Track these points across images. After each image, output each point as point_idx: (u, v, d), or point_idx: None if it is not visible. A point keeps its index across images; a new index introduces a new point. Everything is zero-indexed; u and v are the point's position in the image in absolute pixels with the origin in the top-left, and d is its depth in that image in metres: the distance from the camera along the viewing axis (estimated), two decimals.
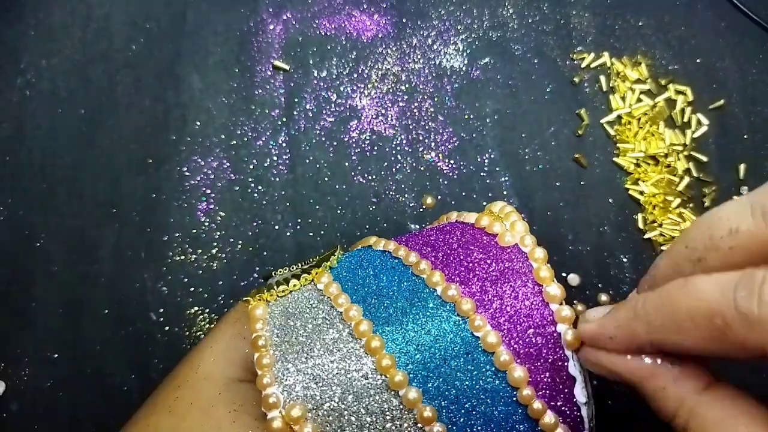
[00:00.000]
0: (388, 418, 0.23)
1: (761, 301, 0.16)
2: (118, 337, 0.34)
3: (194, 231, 0.36)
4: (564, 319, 0.24)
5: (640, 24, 0.40)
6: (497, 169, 0.37)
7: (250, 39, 0.39)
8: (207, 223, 0.36)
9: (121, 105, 0.37)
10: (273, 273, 0.28)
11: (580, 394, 0.24)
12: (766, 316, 0.16)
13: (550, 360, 0.23)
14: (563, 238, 0.36)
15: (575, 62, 0.40)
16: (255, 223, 0.36)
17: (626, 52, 0.40)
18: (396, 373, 0.23)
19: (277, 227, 0.36)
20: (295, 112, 0.38)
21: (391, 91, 0.39)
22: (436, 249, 0.26)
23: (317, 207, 0.36)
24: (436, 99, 0.39)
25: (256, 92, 0.38)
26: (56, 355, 0.34)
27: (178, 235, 0.36)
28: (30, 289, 0.34)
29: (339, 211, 0.37)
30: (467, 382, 0.23)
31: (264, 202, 0.36)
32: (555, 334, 0.24)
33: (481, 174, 0.37)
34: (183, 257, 0.35)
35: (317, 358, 0.23)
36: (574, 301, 0.35)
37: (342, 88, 0.38)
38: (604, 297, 0.35)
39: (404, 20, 0.40)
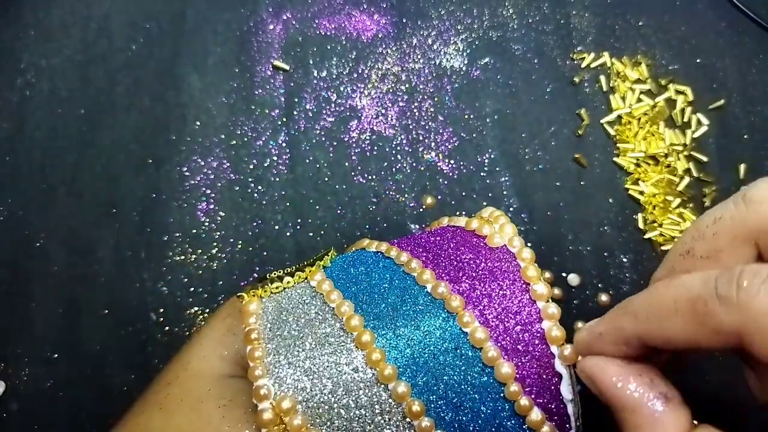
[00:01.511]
0: (377, 411, 0.23)
1: (739, 287, 0.17)
2: (117, 337, 0.34)
3: (194, 231, 0.36)
4: (550, 316, 0.24)
5: (640, 24, 0.40)
6: (497, 169, 0.37)
7: (250, 39, 0.39)
8: (207, 223, 0.36)
9: (120, 105, 0.37)
10: (267, 275, 0.29)
11: (566, 391, 0.24)
12: (743, 300, 0.17)
13: (536, 356, 0.24)
14: (563, 238, 0.36)
15: (575, 62, 0.40)
16: (255, 223, 0.36)
17: (626, 52, 0.40)
18: (386, 367, 0.23)
19: (277, 227, 0.36)
20: (295, 112, 0.38)
21: (391, 91, 0.39)
22: (427, 250, 0.27)
23: (317, 207, 0.36)
24: (436, 99, 0.39)
25: (256, 92, 0.38)
26: (56, 355, 0.34)
27: (178, 235, 0.36)
28: (30, 290, 0.34)
29: (339, 211, 0.36)
30: (455, 378, 0.23)
31: (264, 202, 0.36)
32: (542, 331, 0.24)
33: (481, 174, 0.37)
34: (183, 257, 0.35)
35: (309, 352, 0.24)
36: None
37: (342, 88, 0.38)
38: (604, 297, 0.35)
39: (404, 20, 0.40)
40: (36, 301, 0.34)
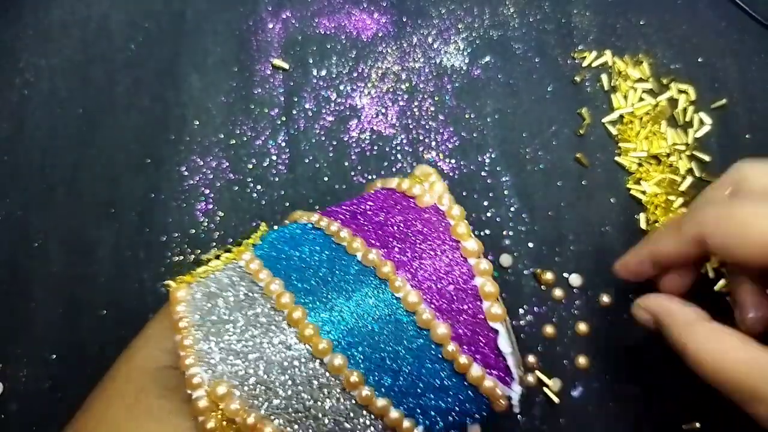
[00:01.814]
0: (315, 386, 0.23)
1: (694, 206, 0.29)
2: (117, 337, 0.34)
3: (193, 231, 0.36)
4: (482, 272, 0.24)
5: (641, 23, 0.40)
6: (498, 168, 0.37)
7: (250, 38, 0.39)
8: (206, 223, 0.36)
9: (120, 105, 0.37)
10: (202, 258, 0.29)
11: (504, 344, 0.24)
12: (694, 216, 0.27)
13: (471, 314, 0.24)
14: (565, 238, 0.36)
15: (576, 61, 0.39)
16: (254, 223, 0.36)
17: (628, 51, 0.40)
18: (320, 341, 0.23)
19: (276, 227, 0.36)
20: (294, 112, 0.38)
21: (391, 90, 0.38)
22: (357, 217, 0.26)
23: (317, 207, 0.36)
24: (436, 98, 0.38)
25: (256, 91, 0.38)
26: (55, 356, 0.34)
27: (177, 235, 0.35)
28: (29, 290, 0.34)
29: None
30: (392, 344, 0.23)
31: (263, 202, 0.36)
32: (475, 288, 0.24)
33: (482, 174, 0.37)
34: (182, 257, 0.35)
35: (240, 334, 0.23)
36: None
37: (342, 87, 0.38)
38: (606, 298, 0.35)
39: (404, 19, 0.40)
40: (35, 301, 0.34)
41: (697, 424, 0.33)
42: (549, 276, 0.35)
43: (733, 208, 0.25)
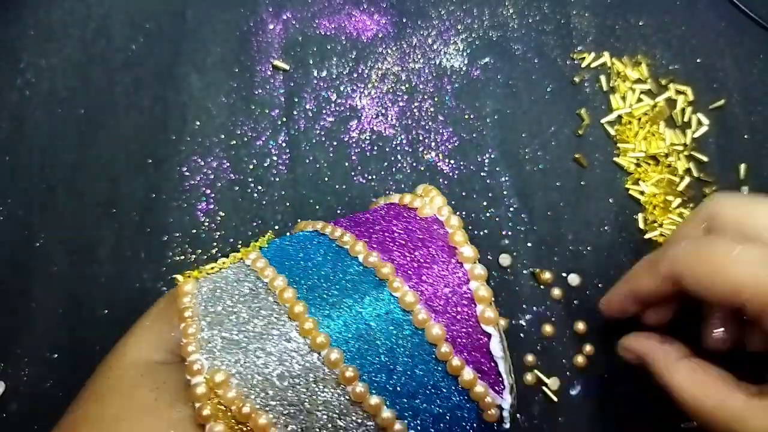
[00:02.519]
0: (311, 379, 0.23)
1: (667, 245, 0.29)
2: (117, 337, 0.34)
3: (194, 231, 0.36)
4: (477, 276, 0.25)
5: (640, 24, 0.40)
6: (497, 169, 0.37)
7: (250, 39, 0.39)
8: (207, 223, 0.36)
9: (120, 105, 0.37)
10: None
11: (496, 348, 0.25)
12: (669, 252, 0.27)
13: (466, 317, 0.25)
14: (563, 238, 0.36)
15: (575, 62, 0.39)
16: (255, 223, 0.36)
17: (626, 52, 0.40)
18: (318, 335, 0.23)
19: (277, 227, 0.36)
20: (294, 112, 0.38)
21: (391, 90, 0.39)
22: (361, 225, 0.27)
23: (317, 207, 0.36)
24: (436, 99, 0.39)
25: (256, 92, 0.38)
26: (56, 356, 0.34)
27: (177, 235, 0.36)
28: (30, 289, 0.34)
29: (339, 211, 0.36)
30: (388, 342, 0.24)
31: (264, 202, 0.36)
32: (470, 292, 0.25)
33: (481, 174, 0.37)
34: (183, 257, 0.35)
35: (242, 326, 0.24)
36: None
37: (342, 88, 0.38)
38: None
39: (404, 20, 0.40)
40: (36, 301, 0.34)
41: (695, 423, 0.33)
42: (548, 275, 0.35)
43: (705, 248, 0.26)
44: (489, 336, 0.25)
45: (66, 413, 0.26)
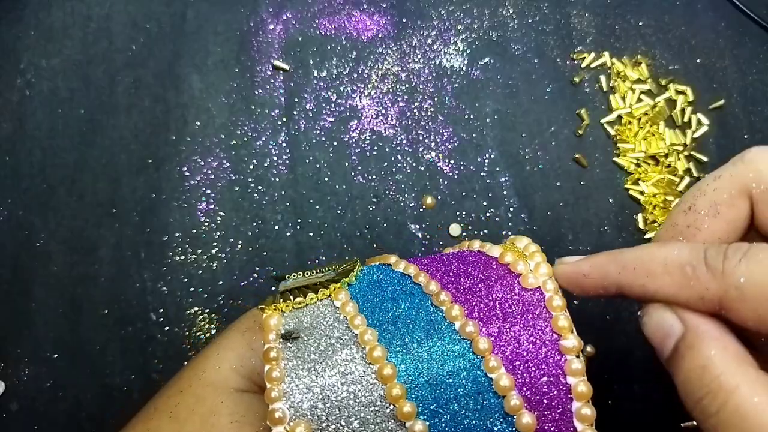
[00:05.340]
0: None
1: (726, 258, 0.20)
2: (118, 337, 0.34)
3: (194, 231, 0.36)
4: (575, 372, 0.24)
5: (640, 24, 0.40)
6: (497, 169, 0.37)
7: (250, 39, 0.39)
8: (207, 223, 0.36)
9: (121, 105, 0.37)
10: (287, 276, 0.28)
11: None
12: (728, 270, 0.19)
13: (559, 410, 0.24)
14: (563, 238, 0.36)
15: (575, 62, 0.40)
16: (255, 223, 0.36)
17: (626, 52, 0.40)
18: (405, 404, 0.23)
19: (277, 227, 0.36)
20: (295, 112, 0.38)
21: (391, 91, 0.39)
22: (458, 280, 0.26)
23: (317, 207, 0.36)
24: (436, 99, 0.39)
25: (256, 92, 0.38)
26: (56, 355, 0.34)
27: (178, 235, 0.36)
28: (30, 289, 0.34)
29: (339, 211, 0.36)
30: (474, 422, 0.23)
31: (264, 202, 0.36)
32: (567, 386, 0.24)
33: (481, 174, 0.37)
34: (183, 257, 0.35)
35: (328, 378, 0.23)
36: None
37: (342, 88, 0.38)
38: None
39: (404, 20, 0.40)
40: (36, 301, 0.34)
41: (695, 423, 0.33)
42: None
43: None
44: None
45: (137, 420, 0.26)
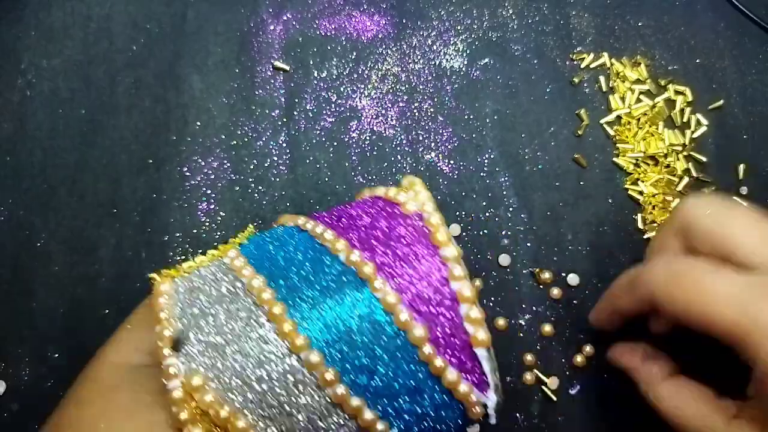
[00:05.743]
0: (291, 382, 0.23)
1: (644, 270, 0.27)
2: None
3: (195, 231, 0.36)
4: (458, 278, 0.24)
5: (639, 24, 0.40)
6: (497, 169, 0.38)
7: (251, 39, 0.39)
8: (207, 224, 0.36)
9: (121, 105, 0.38)
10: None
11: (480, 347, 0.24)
12: (643, 279, 0.27)
13: (449, 318, 0.24)
14: (563, 238, 0.36)
15: (575, 62, 0.40)
16: (255, 223, 0.36)
17: (626, 53, 0.40)
18: (297, 337, 0.23)
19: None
20: (295, 113, 0.38)
21: (391, 91, 0.39)
22: (343, 220, 0.27)
23: (317, 207, 0.36)
24: (435, 99, 0.39)
25: (257, 92, 0.38)
26: (56, 355, 0.34)
27: (178, 235, 0.36)
28: (30, 289, 0.35)
29: None
30: (369, 343, 0.23)
31: (264, 202, 0.37)
32: (452, 293, 0.24)
33: (481, 174, 0.37)
34: (183, 257, 0.35)
35: (219, 327, 0.24)
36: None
37: (342, 89, 0.39)
38: None
39: (404, 21, 0.40)
40: (37, 301, 0.34)
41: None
42: (547, 275, 0.35)
43: (680, 275, 0.25)
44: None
45: (48, 419, 0.26)
